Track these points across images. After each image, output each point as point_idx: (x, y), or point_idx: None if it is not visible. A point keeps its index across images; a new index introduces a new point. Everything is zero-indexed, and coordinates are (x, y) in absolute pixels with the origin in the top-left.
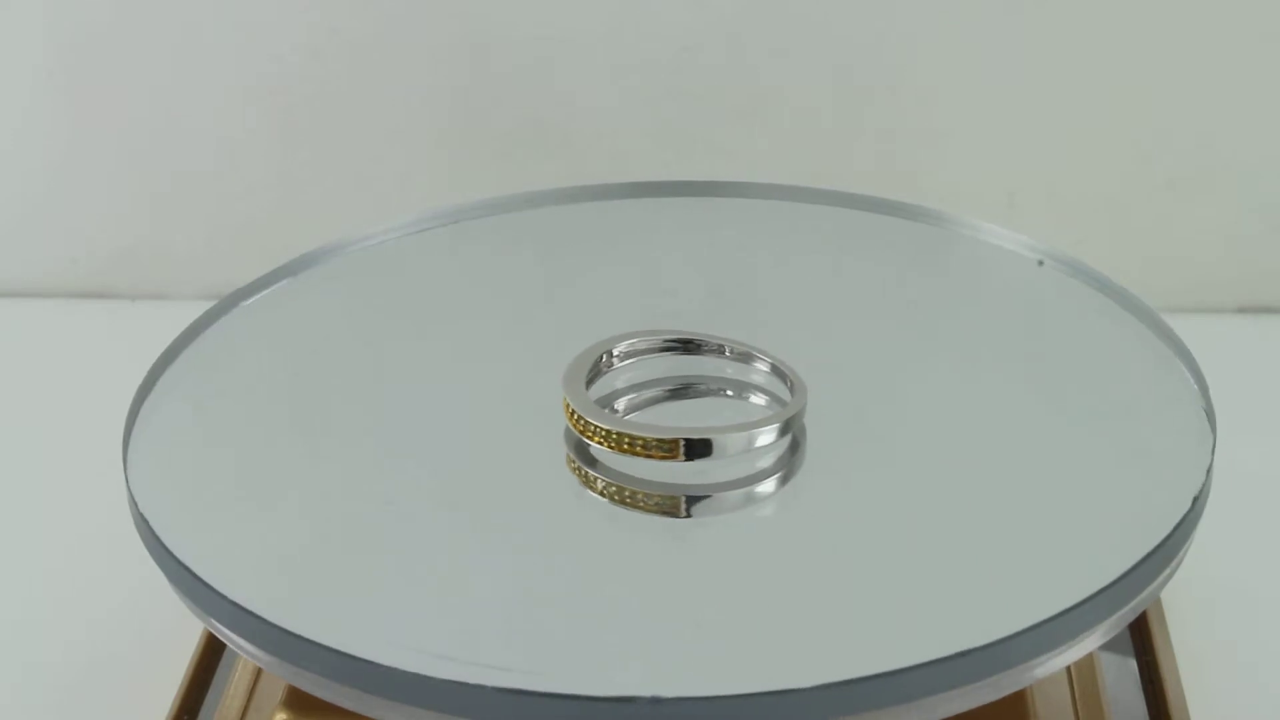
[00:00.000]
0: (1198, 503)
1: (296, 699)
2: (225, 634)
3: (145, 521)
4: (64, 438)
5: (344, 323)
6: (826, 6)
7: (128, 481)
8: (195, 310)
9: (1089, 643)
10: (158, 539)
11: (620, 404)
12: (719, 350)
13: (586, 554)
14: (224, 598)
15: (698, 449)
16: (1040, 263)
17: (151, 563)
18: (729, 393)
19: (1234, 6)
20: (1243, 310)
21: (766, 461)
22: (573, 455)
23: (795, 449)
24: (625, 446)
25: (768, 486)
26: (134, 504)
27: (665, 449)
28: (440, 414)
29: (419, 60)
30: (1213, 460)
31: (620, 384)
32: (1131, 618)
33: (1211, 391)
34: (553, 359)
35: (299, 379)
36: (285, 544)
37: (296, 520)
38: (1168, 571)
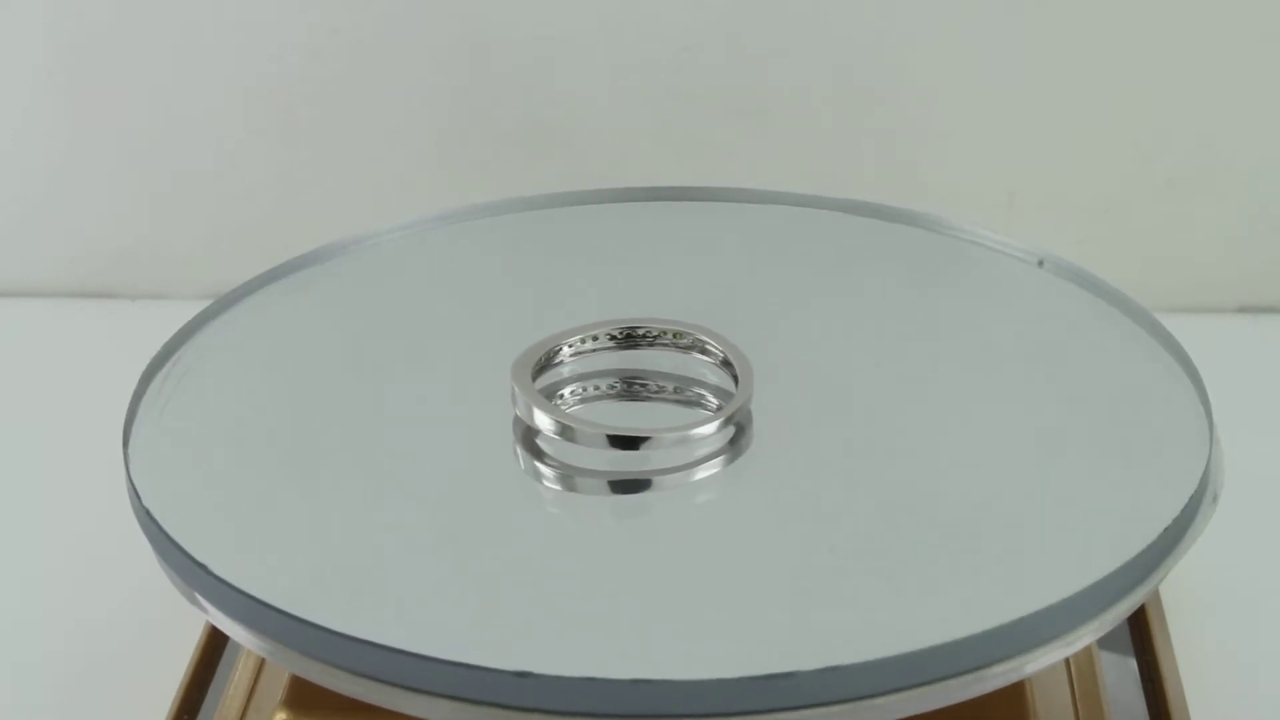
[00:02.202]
0: (1192, 502)
1: (297, 698)
2: (225, 623)
3: (146, 511)
4: (64, 437)
5: (338, 321)
6: (826, 6)
7: (128, 471)
8: (195, 310)
9: (1078, 642)
10: (159, 527)
11: (568, 393)
12: (671, 343)
13: (531, 540)
14: (228, 585)
15: (633, 444)
16: (1040, 263)
17: (151, 562)
18: (674, 387)
19: (1234, 6)
20: (1243, 310)
21: (737, 452)
22: (520, 444)
23: (778, 444)
24: (567, 436)
25: (741, 477)
26: (134, 494)
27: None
28: (428, 407)
29: (419, 60)
30: (1209, 464)
31: (572, 374)
32: (1120, 619)
33: (1211, 392)
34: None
35: (293, 375)
36: (284, 535)
37: (294, 512)
38: (1161, 571)
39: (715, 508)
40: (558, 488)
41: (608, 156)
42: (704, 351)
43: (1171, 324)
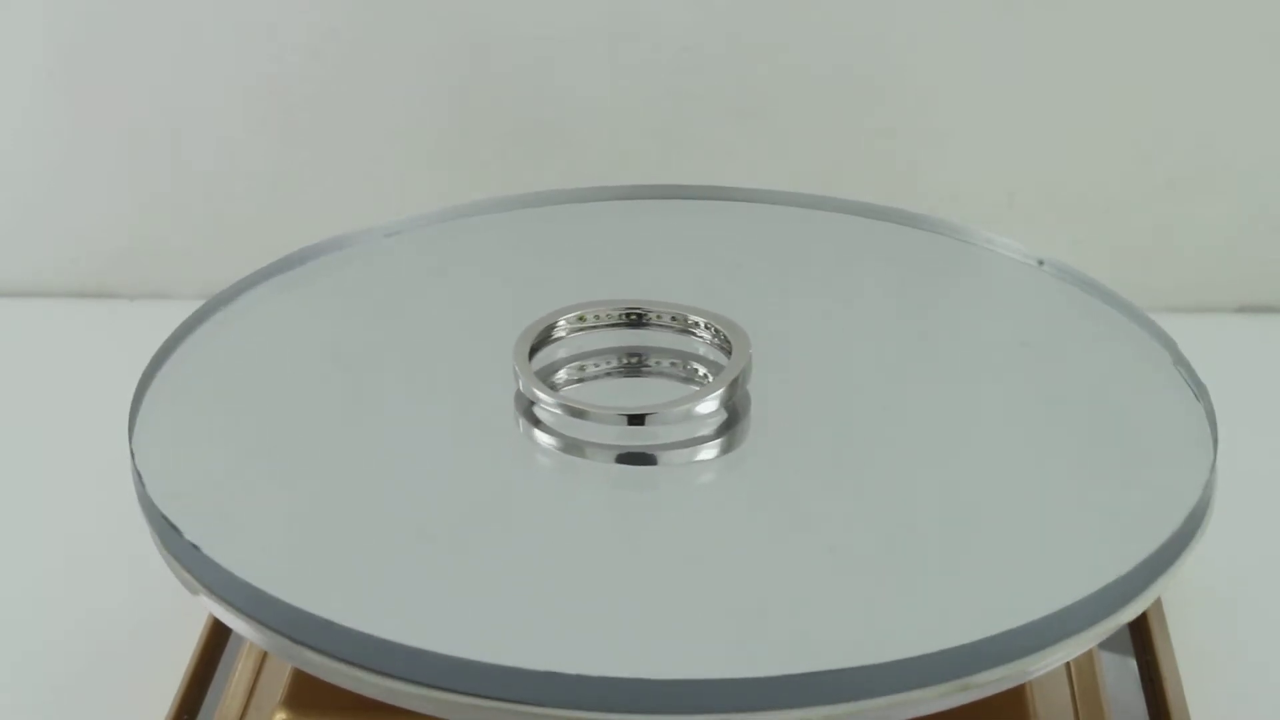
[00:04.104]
0: (1197, 509)
1: (296, 698)
2: (230, 617)
3: (154, 505)
4: (64, 437)
5: (341, 314)
6: (826, 7)
7: (135, 466)
8: (195, 310)
9: (1080, 647)
10: (166, 521)
11: (567, 371)
12: (666, 321)
13: (531, 529)
14: (236, 578)
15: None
16: (1040, 263)
17: (151, 561)
18: (671, 363)
19: (1234, 6)
20: (1243, 310)
21: (737, 440)
22: (523, 419)
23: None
24: (568, 412)
25: (758, 465)
26: (141, 488)
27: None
28: (428, 395)
29: (419, 60)
30: (1212, 477)
31: (569, 353)
32: (1120, 624)
33: (1212, 391)
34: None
35: (297, 369)
36: (289, 526)
37: (299, 502)
38: (1165, 578)
39: (709, 500)
40: (557, 466)
41: (608, 156)
42: (700, 330)
43: (1171, 324)
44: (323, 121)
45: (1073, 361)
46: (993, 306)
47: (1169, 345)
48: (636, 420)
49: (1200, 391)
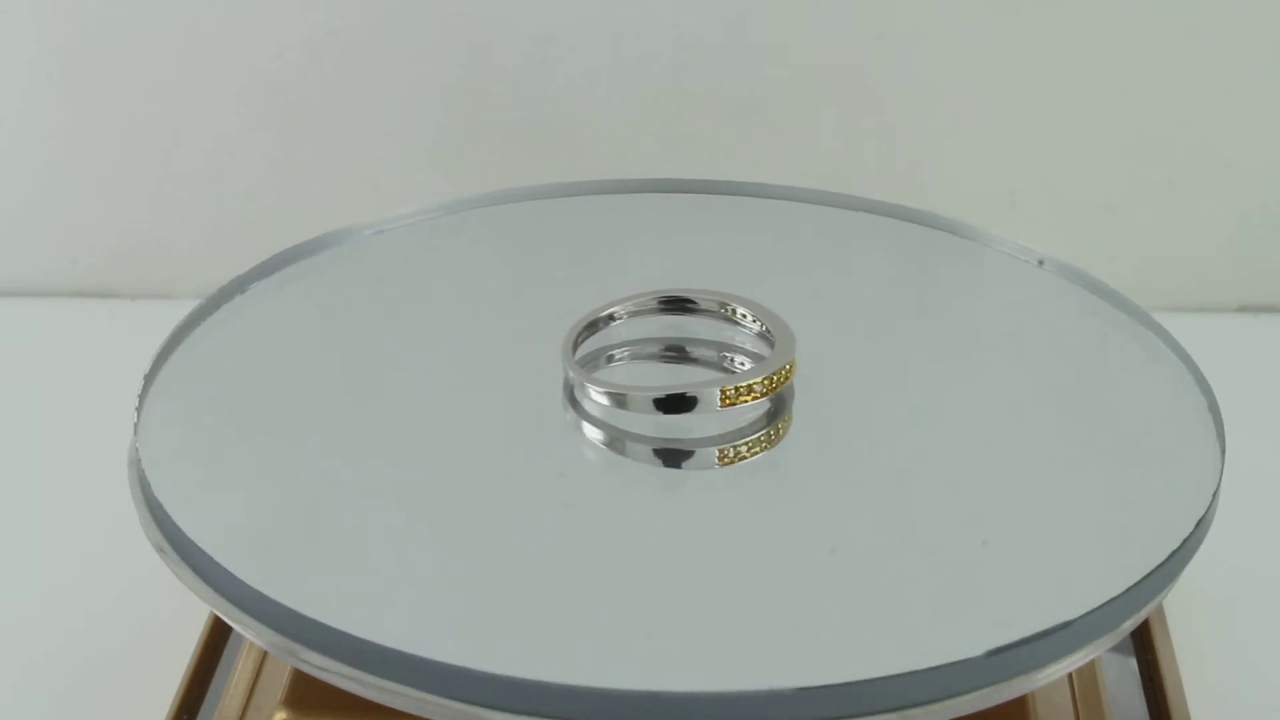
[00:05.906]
0: (1206, 516)
1: (296, 698)
2: (229, 613)
3: (157, 501)
4: (64, 438)
5: (349, 309)
6: (827, 7)
7: (140, 465)
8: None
9: (1089, 656)
10: (173, 521)
11: (616, 360)
12: (716, 311)
13: (545, 518)
14: (239, 579)
15: (678, 405)
16: (1040, 263)
17: (151, 563)
18: (723, 353)
19: (1234, 6)
20: (1243, 310)
21: (774, 436)
22: (570, 408)
23: (791, 451)
24: (617, 402)
25: (762, 464)
26: (144, 482)
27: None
28: (433, 393)
29: (419, 60)
30: (1219, 483)
31: (619, 341)
32: (1127, 632)
33: (1212, 391)
34: (554, 331)
35: (303, 363)
36: (295, 525)
37: (305, 501)
38: (1171, 585)
39: (712, 508)
40: (582, 462)
41: (608, 156)
42: (746, 321)
43: (1171, 324)
44: (322, 121)
45: (1074, 362)
46: (992, 306)
47: (1173, 346)
48: (671, 408)
49: (1206, 393)
